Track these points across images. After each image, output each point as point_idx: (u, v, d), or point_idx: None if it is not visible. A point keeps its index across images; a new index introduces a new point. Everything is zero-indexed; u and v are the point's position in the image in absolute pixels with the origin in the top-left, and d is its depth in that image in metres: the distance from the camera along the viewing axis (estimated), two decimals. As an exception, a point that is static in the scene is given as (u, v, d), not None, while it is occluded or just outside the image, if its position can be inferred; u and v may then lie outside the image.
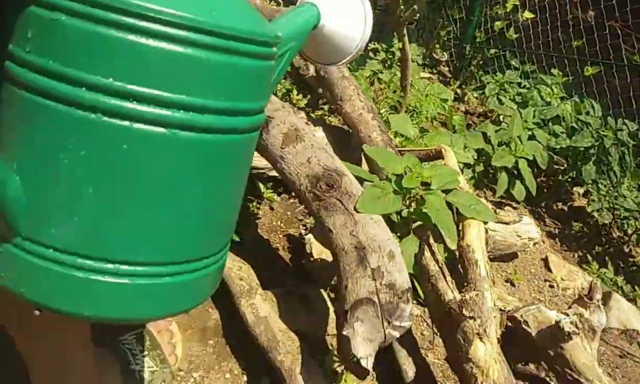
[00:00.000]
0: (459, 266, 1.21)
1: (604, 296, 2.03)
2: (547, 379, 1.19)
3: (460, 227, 1.23)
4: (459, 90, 3.95)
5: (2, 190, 0.54)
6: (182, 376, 1.31)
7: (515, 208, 2.54)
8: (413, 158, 1.31)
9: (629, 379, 1.70)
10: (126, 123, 0.52)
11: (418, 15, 2.51)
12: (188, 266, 0.62)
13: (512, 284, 1.91)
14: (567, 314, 1.18)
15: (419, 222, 1.26)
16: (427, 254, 1.17)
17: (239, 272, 1.32)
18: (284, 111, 1.34)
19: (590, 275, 2.39)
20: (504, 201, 2.56)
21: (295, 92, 2.15)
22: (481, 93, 3.79)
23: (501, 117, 3.31)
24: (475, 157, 2.36)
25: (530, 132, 2.92)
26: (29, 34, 0.52)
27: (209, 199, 0.62)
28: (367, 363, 0.97)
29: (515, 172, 2.48)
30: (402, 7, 2.90)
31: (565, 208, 3.45)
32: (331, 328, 1.46)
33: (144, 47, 0.52)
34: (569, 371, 1.14)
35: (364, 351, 0.97)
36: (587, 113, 3.36)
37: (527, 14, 3.94)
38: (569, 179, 3.32)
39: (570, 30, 3.88)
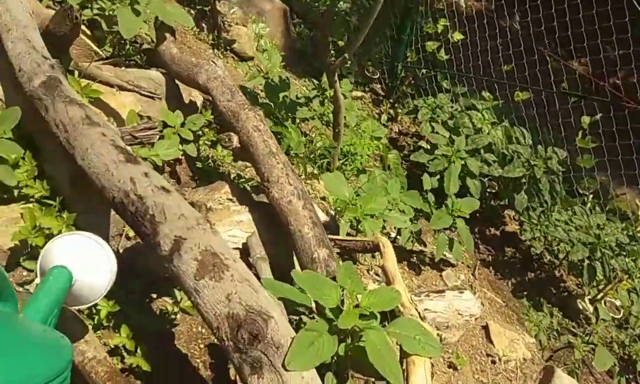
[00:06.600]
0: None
1: (547, 373, 1.98)
2: None
3: (405, 365, 1.09)
4: (391, 111, 3.88)
5: None
6: None
7: (454, 266, 2.47)
8: (349, 279, 1.15)
9: None
10: None
11: (349, 61, 2.37)
12: None
13: (455, 369, 1.81)
14: None
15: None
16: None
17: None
18: (199, 228, 1.14)
19: (528, 331, 2.35)
20: (445, 258, 2.49)
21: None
22: (414, 117, 3.72)
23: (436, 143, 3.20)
24: (413, 218, 2.26)
25: (462, 162, 2.88)
26: None
27: None
28: None
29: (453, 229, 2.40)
30: (332, 53, 2.76)
31: (498, 233, 3.45)
32: None
33: None
34: None
35: None
36: (517, 141, 3.35)
37: (457, 36, 3.93)
38: (502, 204, 3.32)
39: (500, 54, 3.91)
